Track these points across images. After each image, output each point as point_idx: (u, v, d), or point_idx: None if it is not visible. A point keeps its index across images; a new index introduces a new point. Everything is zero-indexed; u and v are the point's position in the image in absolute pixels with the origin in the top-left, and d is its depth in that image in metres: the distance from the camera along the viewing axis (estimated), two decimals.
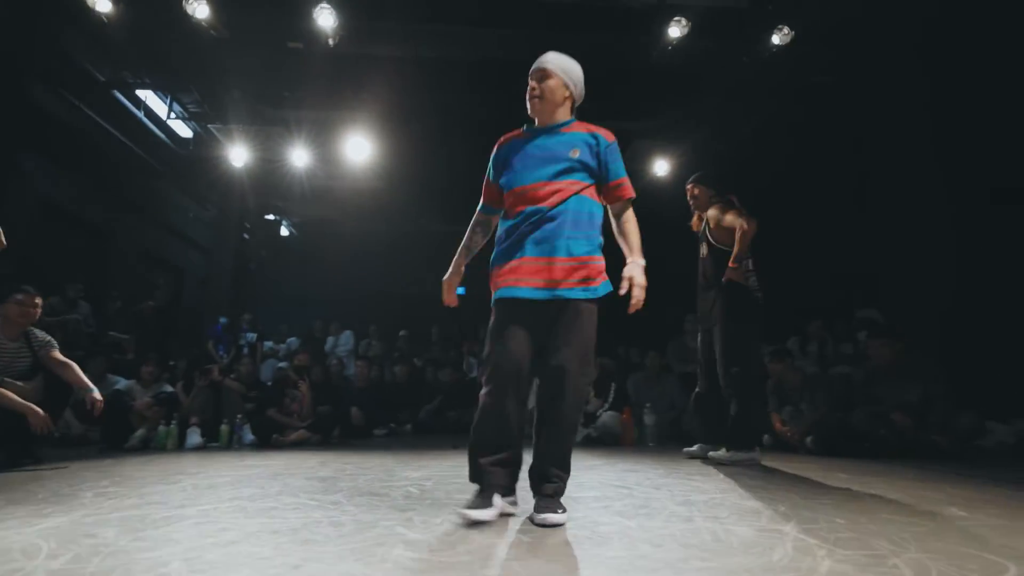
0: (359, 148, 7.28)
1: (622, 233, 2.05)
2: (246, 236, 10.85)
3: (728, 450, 3.26)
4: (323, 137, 7.58)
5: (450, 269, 2.25)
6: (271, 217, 11.86)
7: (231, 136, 7.65)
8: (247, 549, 1.46)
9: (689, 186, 3.65)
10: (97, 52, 6.66)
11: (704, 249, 3.51)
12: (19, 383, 3.32)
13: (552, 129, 2.07)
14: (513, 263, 1.94)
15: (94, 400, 3.41)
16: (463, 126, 7.72)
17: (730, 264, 3.27)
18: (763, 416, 4.07)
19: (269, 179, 9.02)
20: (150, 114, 8.24)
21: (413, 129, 7.55)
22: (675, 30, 5.31)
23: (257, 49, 5.68)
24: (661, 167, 7.75)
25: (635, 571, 1.27)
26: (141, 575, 1.24)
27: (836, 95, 6.19)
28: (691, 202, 3.63)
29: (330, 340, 9.40)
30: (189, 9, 4.70)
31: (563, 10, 5.64)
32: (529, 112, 2.11)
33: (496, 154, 2.16)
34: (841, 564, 1.32)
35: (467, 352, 8.43)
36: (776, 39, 5.38)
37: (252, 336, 8.95)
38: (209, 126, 8.15)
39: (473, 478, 1.93)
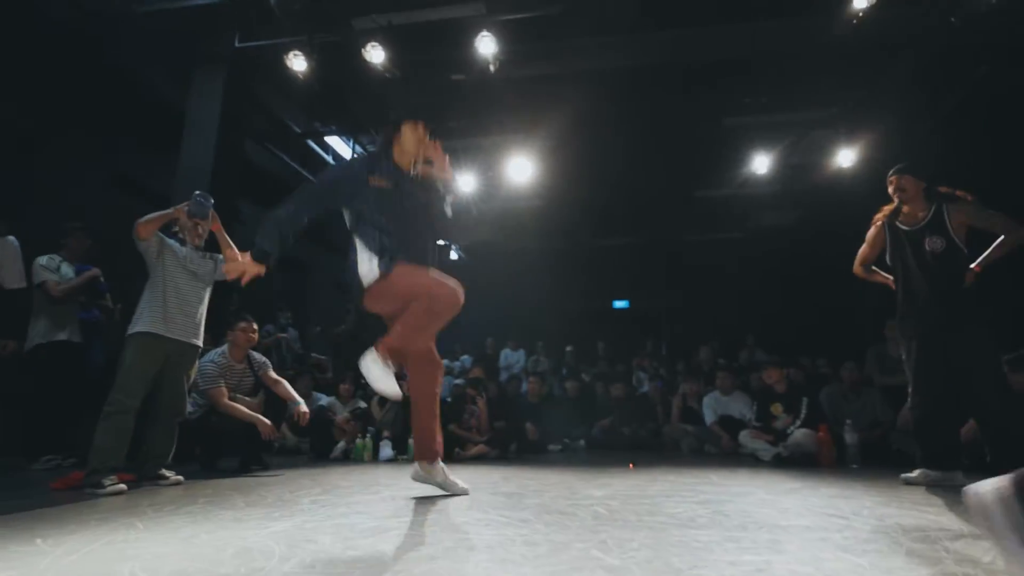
0: (521, 169, 7.48)
1: None
2: None
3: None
4: (487, 162, 7.94)
5: None
6: (440, 243, 12.69)
7: None
8: (447, 565, 1.48)
9: (894, 177, 3.26)
10: (292, 107, 7.70)
11: (940, 244, 3.03)
12: (248, 398, 3.88)
13: None
14: None
15: (300, 412, 3.85)
16: (622, 137, 7.62)
17: (976, 267, 3.00)
18: None
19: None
20: (337, 157, 9.30)
21: (571, 145, 7.59)
22: (860, 1, 4.69)
23: (424, 84, 6.12)
24: (846, 157, 6.88)
25: None
26: None
27: None
28: (897, 195, 3.23)
29: (503, 356, 9.75)
30: (367, 55, 5.22)
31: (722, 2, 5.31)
32: None
33: None
34: None
35: (637, 367, 8.18)
36: None
37: None
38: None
39: None
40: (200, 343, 3.34)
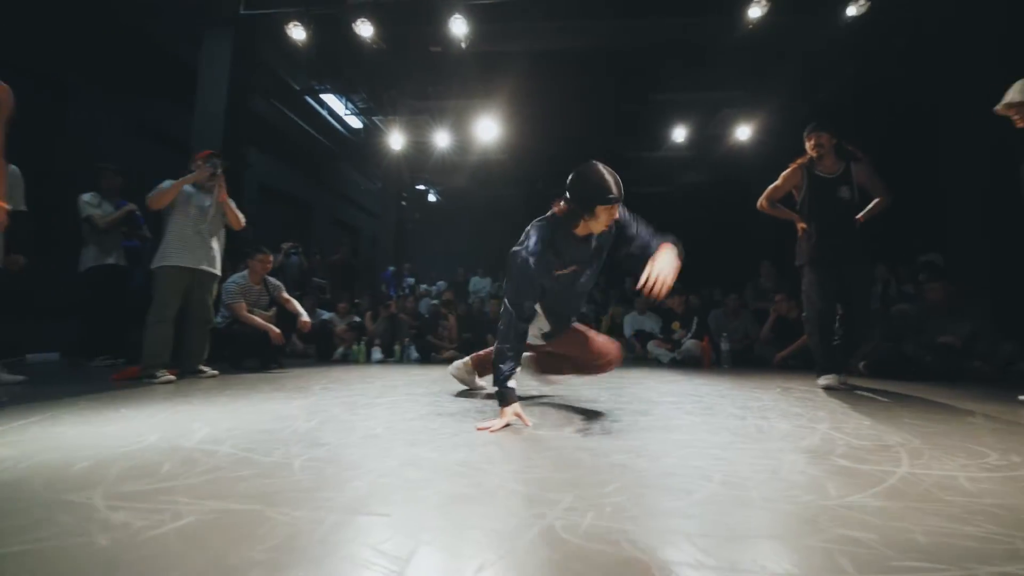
0: (488, 129, 7.47)
1: None
2: (404, 203, 11.67)
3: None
4: (459, 122, 7.88)
5: None
6: (421, 187, 12.61)
7: (390, 125, 8.22)
8: (423, 424, 1.78)
9: (814, 134, 3.15)
10: (292, 68, 7.40)
11: (848, 194, 3.12)
12: (264, 312, 4.05)
13: None
14: None
15: (304, 323, 4.05)
16: (570, 105, 7.65)
17: (860, 218, 3.13)
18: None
19: (419, 157, 9.61)
20: (332, 112, 9.03)
21: (529, 111, 7.59)
22: (755, 10, 4.82)
23: (407, 54, 5.98)
24: (743, 132, 7.14)
25: (694, 449, 1.40)
26: (359, 433, 1.59)
27: (909, 58, 5.30)
28: (816, 149, 3.14)
29: (473, 282, 10.03)
30: (356, 29, 5.07)
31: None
32: None
33: None
34: (854, 449, 1.38)
35: None
36: (852, 10, 4.74)
37: (412, 280, 9.80)
38: (374, 118, 8.78)
39: None
40: (217, 271, 3.39)
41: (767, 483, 1.11)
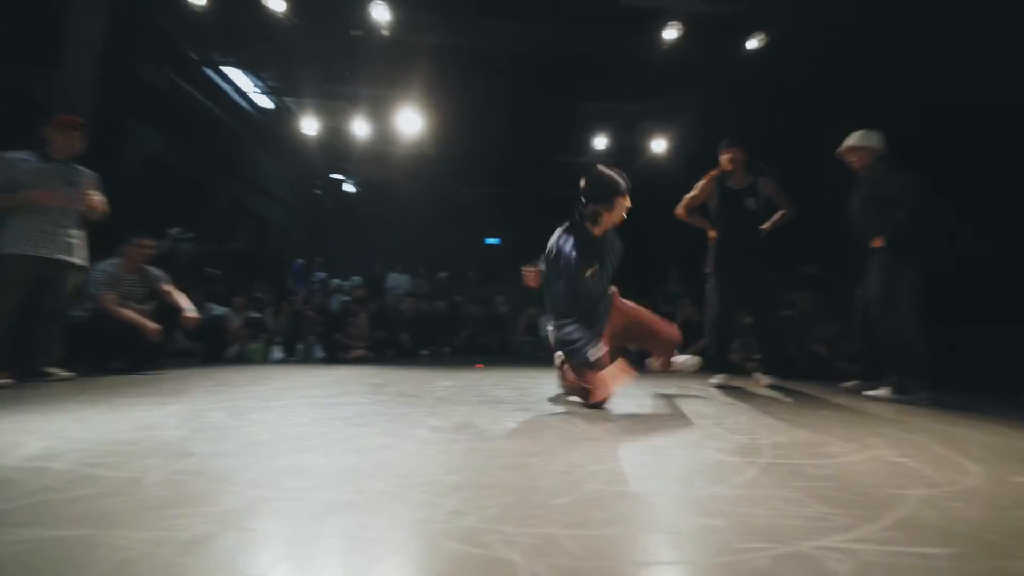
0: (410, 121, 7.30)
1: None
2: (318, 192, 11.12)
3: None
4: (380, 111, 7.62)
5: None
6: (338, 177, 12.06)
7: (304, 108, 7.78)
8: (315, 429, 1.70)
9: (729, 150, 3.36)
10: (191, 35, 6.75)
11: (754, 205, 3.36)
12: (137, 306, 3.61)
13: None
14: None
15: (187, 317, 3.67)
16: (500, 107, 7.70)
17: (765, 228, 3.39)
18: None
19: (336, 145, 9.18)
20: (237, 89, 8.37)
21: (454, 107, 7.54)
22: (670, 32, 5.16)
23: (325, 35, 5.69)
24: (659, 145, 7.61)
25: (588, 449, 1.45)
26: (239, 441, 1.48)
27: (800, 89, 5.95)
28: (730, 164, 3.37)
29: (390, 278, 9.77)
30: (266, 1, 4.74)
31: (580, 9, 5.48)
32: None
33: None
34: (728, 443, 1.49)
35: (496, 291, 8.64)
36: (753, 43, 5.26)
37: (323, 275, 9.36)
38: (285, 99, 8.26)
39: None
40: (76, 259, 3.00)
41: (645, 479, 1.18)
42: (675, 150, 7.57)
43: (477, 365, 4.62)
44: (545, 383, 3.27)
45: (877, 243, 2.85)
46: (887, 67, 4.85)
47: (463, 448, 1.44)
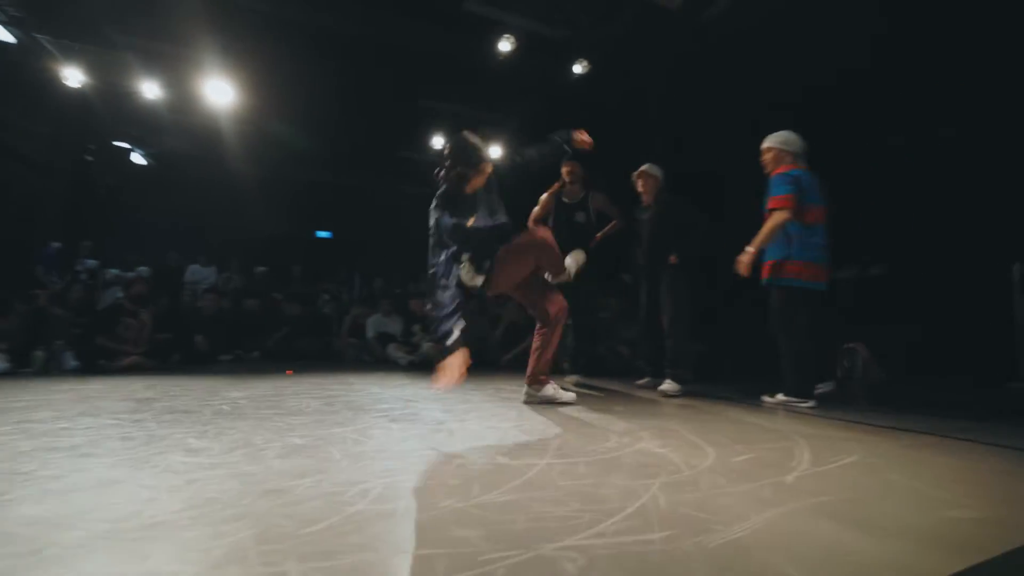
0: (220, 91, 6.37)
1: None
2: (90, 159, 9.12)
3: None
4: (183, 74, 6.51)
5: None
6: (123, 144, 10.04)
7: (68, 52, 6.28)
8: (13, 466, 1.33)
9: (568, 163, 3.63)
10: None
11: (583, 217, 3.72)
12: None
13: None
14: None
15: None
16: (331, 91, 7.19)
17: (598, 237, 3.77)
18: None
19: (119, 105, 7.62)
20: None
21: (282, 85, 6.82)
22: (505, 45, 5.39)
23: None
24: (495, 152, 7.88)
25: (368, 462, 1.37)
26: None
27: (619, 114, 6.76)
28: (569, 176, 3.70)
29: (191, 271, 8.46)
30: None
31: (422, 4, 5.38)
32: None
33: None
34: (518, 445, 1.55)
35: (321, 290, 8.07)
36: (578, 68, 5.72)
37: (93, 263, 7.72)
38: (37, 35, 6.56)
39: None
40: None
41: (419, 492, 1.14)
42: (509, 159, 7.90)
43: (287, 372, 4.20)
44: (360, 390, 3.09)
45: (673, 260, 3.27)
46: (681, 108, 5.71)
47: (221, 475, 1.25)
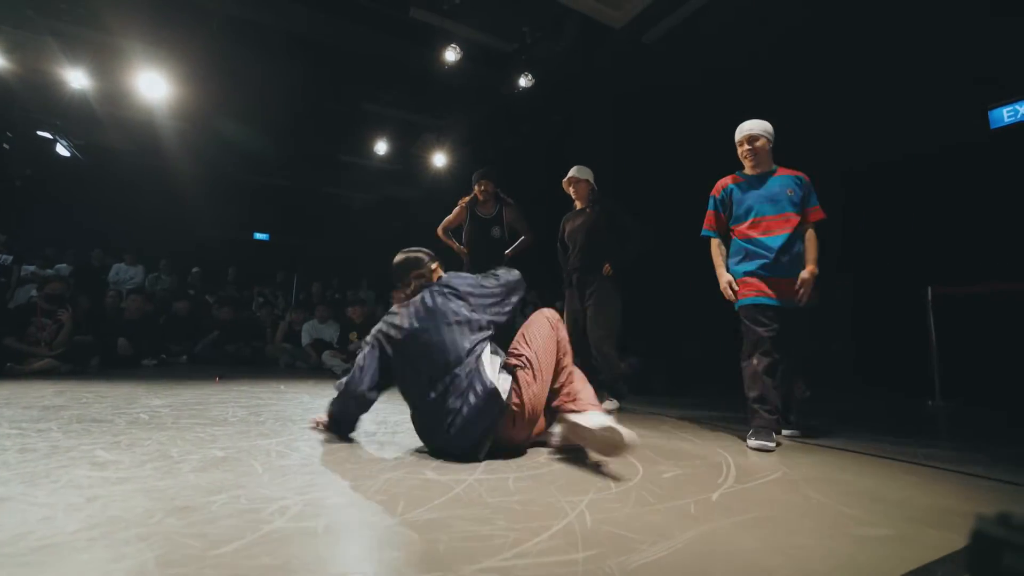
0: (154, 84, 5.95)
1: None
2: (6, 146, 8.24)
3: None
4: (113, 65, 6.03)
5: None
6: (45, 135, 9.14)
7: None
8: None
9: (481, 181, 3.60)
10: None
11: (499, 232, 3.62)
12: None
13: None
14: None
15: None
16: (273, 90, 6.90)
17: (508, 253, 3.64)
18: None
19: (40, 93, 6.96)
20: None
21: (220, 81, 6.46)
22: (451, 54, 5.38)
23: None
24: (439, 159, 7.85)
25: (292, 476, 1.32)
26: None
27: (565, 131, 6.93)
28: (481, 195, 3.62)
29: (115, 270, 7.78)
30: None
31: (368, 8, 5.28)
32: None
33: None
34: (448, 461, 1.54)
35: (256, 293, 7.68)
36: (523, 81, 5.80)
37: (6, 258, 6.96)
38: None
39: None
40: None
41: (342, 510, 1.10)
42: (451, 168, 7.87)
43: (215, 378, 3.94)
44: (291, 399, 2.95)
45: (607, 269, 3.11)
46: (628, 128, 5.92)
47: (128, 490, 1.15)
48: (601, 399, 2.96)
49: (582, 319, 3.22)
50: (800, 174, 2.27)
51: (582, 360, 3.28)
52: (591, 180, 3.31)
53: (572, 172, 3.31)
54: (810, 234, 2.20)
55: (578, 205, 3.36)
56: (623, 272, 3.17)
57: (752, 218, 2.23)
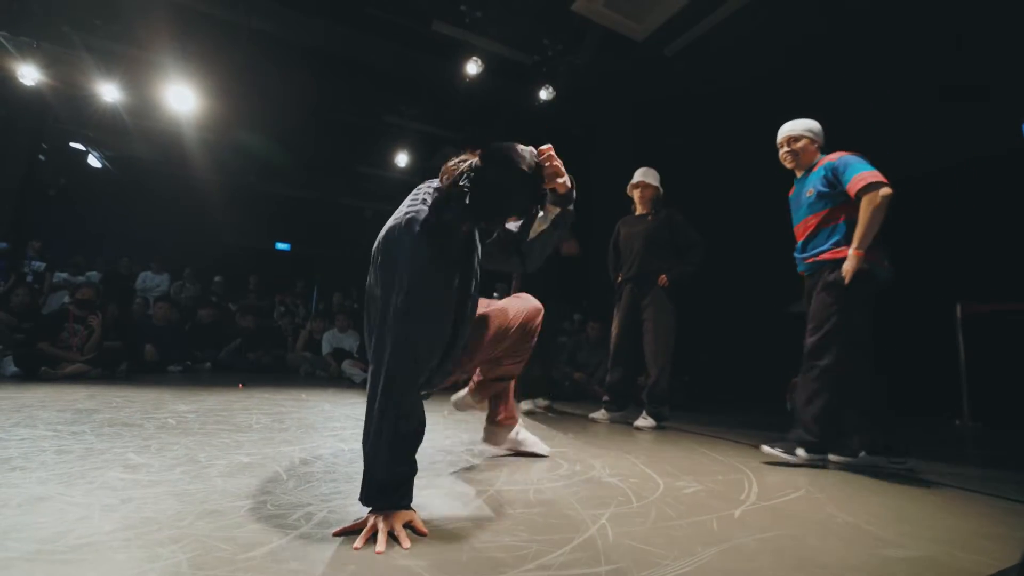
0: (182, 98, 6.17)
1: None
2: (42, 158, 8.60)
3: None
4: (143, 78, 6.28)
5: None
6: (78, 146, 9.52)
7: (24, 49, 5.96)
8: None
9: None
10: None
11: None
12: None
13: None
14: None
15: None
16: (298, 104, 7.10)
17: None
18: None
19: (74, 106, 7.28)
20: None
21: (244, 94, 6.67)
22: (473, 67, 5.46)
23: None
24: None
25: (292, 481, 1.35)
26: None
27: (585, 143, 6.97)
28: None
29: (142, 278, 8.02)
30: None
31: (390, 22, 5.42)
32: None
33: None
34: (470, 468, 1.56)
35: (278, 302, 7.82)
36: (544, 94, 5.86)
37: (41, 265, 7.23)
38: None
39: None
40: None
41: (340, 511, 1.12)
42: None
43: (239, 386, 4.03)
44: (312, 407, 3.01)
45: (663, 280, 2.98)
46: (649, 139, 5.94)
47: (159, 493, 1.20)
48: (633, 416, 2.92)
49: (634, 329, 3.07)
50: (831, 158, 2.06)
51: (622, 375, 3.10)
52: (659, 185, 3.14)
53: (638, 176, 3.14)
54: (863, 205, 1.92)
55: (638, 210, 3.19)
56: (679, 287, 3.01)
57: (795, 226, 2.24)
